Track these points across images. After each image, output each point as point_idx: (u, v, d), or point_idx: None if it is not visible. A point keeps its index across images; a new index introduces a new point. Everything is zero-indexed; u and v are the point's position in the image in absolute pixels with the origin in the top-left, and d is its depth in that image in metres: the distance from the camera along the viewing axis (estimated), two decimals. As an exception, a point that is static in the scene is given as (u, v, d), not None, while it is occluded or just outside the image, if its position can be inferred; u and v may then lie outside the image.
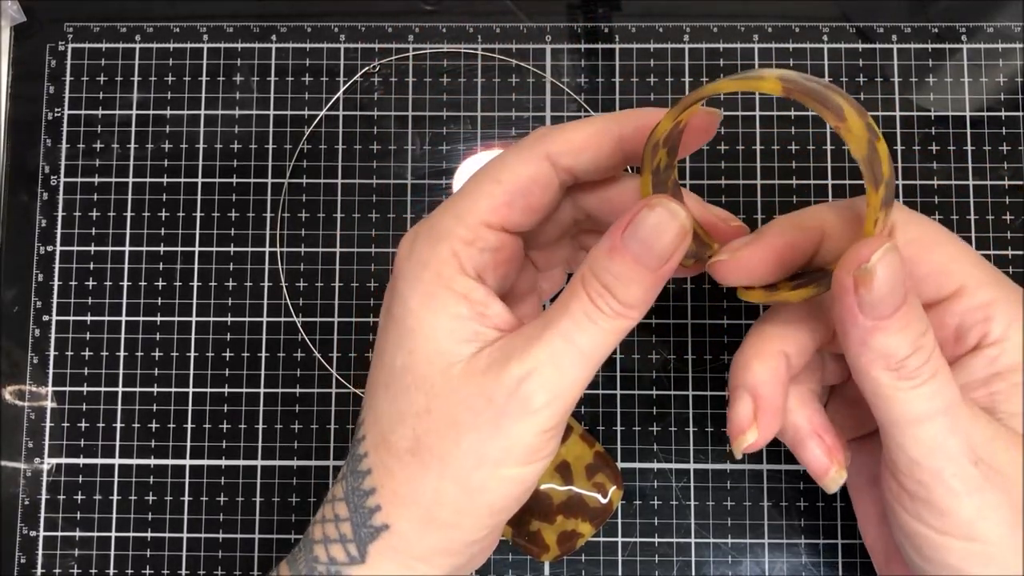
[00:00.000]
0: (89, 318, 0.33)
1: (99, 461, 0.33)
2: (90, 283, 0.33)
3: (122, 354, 0.33)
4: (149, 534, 0.32)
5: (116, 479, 0.32)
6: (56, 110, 0.34)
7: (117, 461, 0.33)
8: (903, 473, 0.22)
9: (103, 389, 0.33)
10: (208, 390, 0.33)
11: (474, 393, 0.21)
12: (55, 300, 0.33)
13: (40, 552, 0.32)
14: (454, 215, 0.22)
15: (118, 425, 0.33)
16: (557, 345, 0.21)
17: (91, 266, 0.34)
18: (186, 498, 0.32)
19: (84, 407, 0.33)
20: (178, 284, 0.33)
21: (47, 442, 0.33)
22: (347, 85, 0.34)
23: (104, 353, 0.33)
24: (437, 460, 0.21)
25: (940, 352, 0.21)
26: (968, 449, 0.21)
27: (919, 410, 0.21)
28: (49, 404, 0.33)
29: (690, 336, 0.33)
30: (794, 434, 0.24)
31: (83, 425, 0.33)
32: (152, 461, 0.33)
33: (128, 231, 0.34)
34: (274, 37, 0.35)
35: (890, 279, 0.20)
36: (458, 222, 0.22)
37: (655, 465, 0.32)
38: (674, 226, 0.21)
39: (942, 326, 0.23)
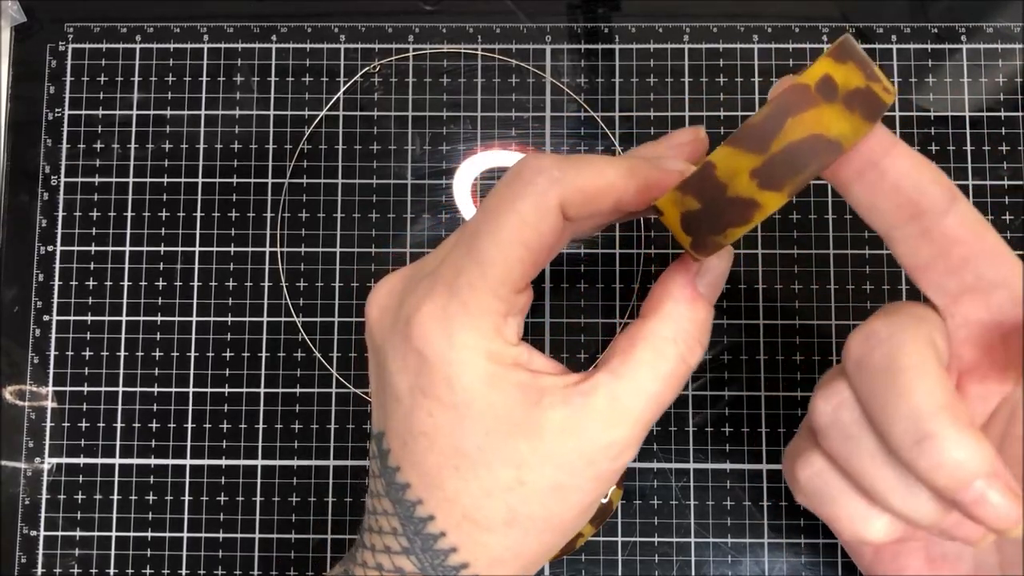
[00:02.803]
0: (89, 318, 0.33)
1: (99, 461, 0.33)
2: (90, 283, 0.33)
3: (122, 354, 0.33)
4: (149, 534, 0.32)
5: (116, 479, 0.33)
6: (56, 110, 0.34)
7: (117, 461, 0.33)
8: None
9: (103, 389, 0.33)
10: (208, 390, 0.33)
11: (573, 459, 0.21)
12: (55, 300, 0.33)
13: (40, 552, 0.32)
14: (488, 291, 0.21)
15: (118, 425, 0.33)
16: (650, 410, 0.22)
17: (91, 266, 0.34)
18: (186, 498, 0.32)
19: (84, 407, 0.33)
20: (178, 284, 0.33)
21: (47, 442, 0.33)
22: (347, 85, 0.34)
23: (104, 353, 0.33)
24: (541, 522, 0.22)
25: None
26: None
27: None
28: (49, 404, 0.33)
29: (690, 336, 0.33)
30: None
31: (83, 425, 0.33)
32: (152, 461, 0.33)
33: (128, 231, 0.34)
34: (274, 37, 0.35)
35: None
36: (495, 298, 0.21)
37: (655, 465, 0.32)
38: (730, 260, 0.23)
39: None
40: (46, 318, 0.33)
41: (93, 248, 0.34)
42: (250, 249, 0.34)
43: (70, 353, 0.33)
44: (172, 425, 0.33)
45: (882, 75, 0.20)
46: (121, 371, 0.33)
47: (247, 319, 0.33)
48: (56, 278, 0.34)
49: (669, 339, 0.22)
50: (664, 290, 0.23)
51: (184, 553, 0.32)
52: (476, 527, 0.22)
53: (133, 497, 0.32)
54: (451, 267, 0.22)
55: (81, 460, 0.33)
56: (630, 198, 0.21)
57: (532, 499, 0.21)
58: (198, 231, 0.34)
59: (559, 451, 0.21)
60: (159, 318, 0.33)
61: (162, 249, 0.34)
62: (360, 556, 0.23)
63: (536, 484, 0.21)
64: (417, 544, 0.22)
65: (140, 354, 0.33)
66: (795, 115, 0.19)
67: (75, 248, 0.34)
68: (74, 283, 0.33)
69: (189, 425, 0.33)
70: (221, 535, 0.32)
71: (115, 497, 0.32)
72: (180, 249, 0.34)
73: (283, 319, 0.33)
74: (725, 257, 0.23)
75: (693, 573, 0.31)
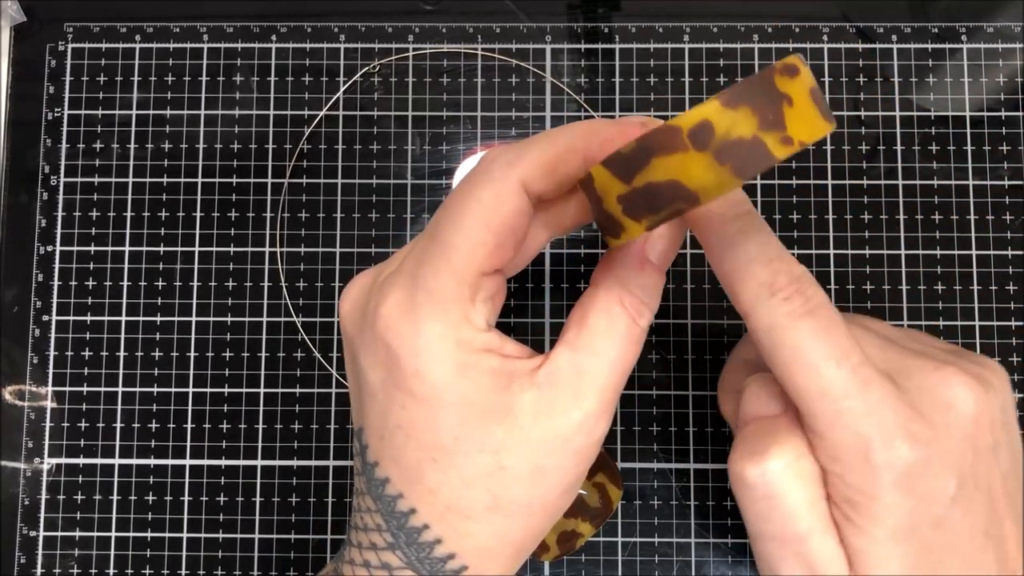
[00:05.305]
0: (89, 318, 0.33)
1: (99, 461, 0.33)
2: (90, 283, 0.33)
3: (122, 354, 0.33)
4: (149, 534, 0.32)
5: (116, 479, 0.32)
6: (56, 110, 0.34)
7: (117, 461, 0.33)
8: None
9: (103, 389, 0.33)
10: (208, 390, 0.33)
11: (550, 439, 0.21)
12: (55, 300, 0.33)
13: (40, 552, 0.32)
14: (452, 276, 0.21)
15: (118, 425, 0.33)
16: (613, 375, 0.22)
17: (91, 266, 0.34)
18: (186, 498, 0.32)
19: (84, 407, 0.33)
20: (178, 284, 0.33)
21: (47, 442, 0.33)
22: (347, 85, 0.34)
23: (104, 353, 0.33)
24: (525, 506, 0.22)
25: (796, 481, 0.22)
26: None
27: (751, 527, 0.24)
28: (49, 404, 0.33)
29: (690, 336, 0.33)
30: None
31: (83, 425, 0.33)
32: (152, 461, 0.33)
33: (128, 231, 0.34)
34: (274, 37, 0.35)
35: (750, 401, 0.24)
36: (460, 283, 0.21)
37: (655, 465, 0.32)
38: (682, 228, 0.23)
39: None
40: (45, 318, 0.33)
41: (93, 248, 0.34)
42: (250, 249, 0.34)
43: (69, 353, 0.33)
44: (172, 425, 0.33)
45: (798, 121, 0.18)
46: (121, 371, 0.33)
47: (247, 319, 0.33)
48: (56, 278, 0.33)
49: (616, 301, 0.22)
50: (612, 257, 0.23)
51: (184, 553, 0.32)
52: (459, 517, 0.21)
53: (133, 497, 0.32)
54: (414, 258, 0.22)
55: (81, 460, 0.33)
56: (595, 155, 0.21)
57: (513, 484, 0.21)
58: (198, 231, 0.34)
59: (534, 433, 0.21)
60: (159, 318, 0.33)
61: (162, 249, 0.34)
62: (348, 554, 0.23)
63: (516, 468, 0.21)
64: (401, 539, 0.22)
65: (140, 354, 0.33)
66: (660, 156, 0.18)
67: (75, 248, 0.34)
68: (74, 283, 0.33)
69: (189, 425, 0.33)
70: (221, 535, 0.32)
71: (115, 497, 0.32)
72: (180, 249, 0.34)
73: (283, 319, 0.33)
74: (676, 226, 0.23)
75: (693, 573, 0.31)
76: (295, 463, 0.32)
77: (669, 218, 0.19)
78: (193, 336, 0.33)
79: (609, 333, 0.22)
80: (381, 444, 0.22)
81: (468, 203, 0.21)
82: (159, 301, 0.33)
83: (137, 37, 0.35)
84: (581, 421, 0.21)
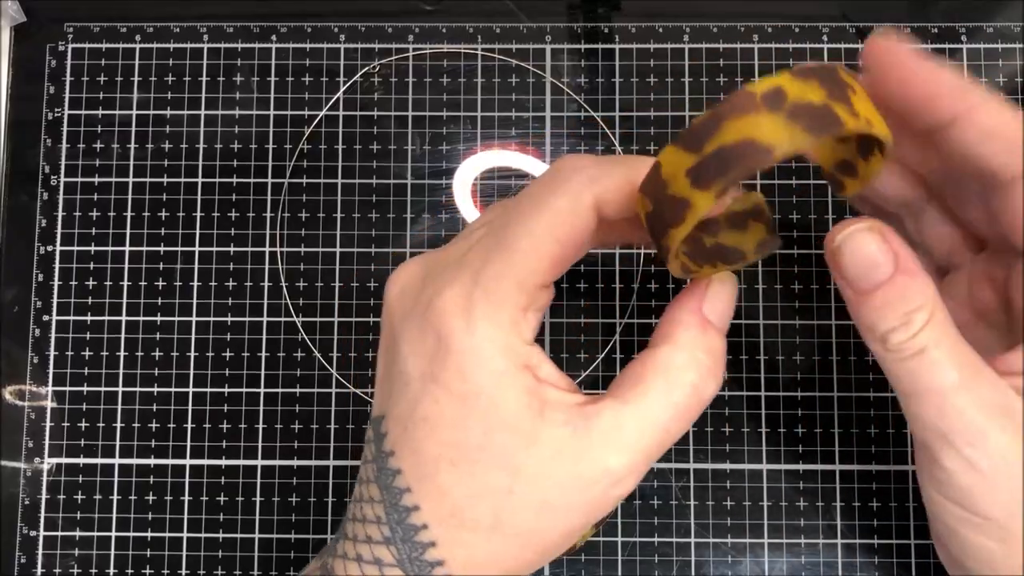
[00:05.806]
0: (89, 318, 0.33)
1: (99, 461, 0.33)
2: (90, 283, 0.33)
3: (122, 354, 0.33)
4: (149, 534, 0.32)
5: (116, 479, 0.32)
6: (56, 110, 0.34)
7: (117, 461, 0.33)
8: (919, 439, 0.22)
9: (103, 389, 0.33)
10: (208, 390, 0.33)
11: (567, 480, 0.21)
12: (55, 300, 0.33)
13: (40, 552, 0.32)
14: (514, 281, 0.21)
15: (118, 425, 0.33)
16: (655, 440, 0.21)
17: (91, 266, 0.34)
18: (186, 498, 0.32)
19: (84, 407, 0.33)
20: (178, 284, 0.33)
21: (47, 442, 0.33)
22: (347, 85, 0.34)
23: (104, 353, 0.33)
24: (523, 536, 0.21)
25: (943, 329, 0.21)
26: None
27: (907, 386, 0.21)
28: (49, 404, 0.33)
29: (690, 336, 0.33)
30: None
31: (83, 425, 0.33)
32: (152, 461, 0.33)
33: (128, 231, 0.34)
34: (274, 37, 0.35)
35: (858, 259, 0.21)
36: (519, 289, 0.21)
37: (655, 465, 0.32)
38: (735, 288, 0.23)
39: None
40: (46, 318, 0.33)
41: (93, 248, 0.34)
42: (250, 249, 0.34)
43: (70, 353, 0.33)
44: (172, 425, 0.33)
45: (862, 104, 0.19)
46: (121, 371, 0.33)
47: (247, 319, 0.33)
48: (56, 278, 0.33)
49: (682, 367, 0.21)
50: (673, 317, 0.22)
51: (184, 553, 0.32)
52: (460, 525, 0.21)
53: (133, 497, 0.32)
54: (479, 255, 0.22)
55: (81, 460, 0.33)
56: None
57: (519, 511, 0.21)
58: (198, 231, 0.34)
59: (554, 470, 0.21)
60: (159, 318, 0.33)
61: (162, 249, 0.34)
62: (341, 547, 0.23)
63: (525, 497, 0.21)
64: (398, 534, 0.22)
65: (140, 354, 0.33)
66: (731, 119, 0.19)
67: (75, 248, 0.34)
68: (74, 283, 0.33)
69: (189, 425, 0.33)
70: (221, 535, 0.32)
71: (115, 497, 0.32)
72: (180, 249, 0.34)
73: (283, 319, 0.33)
74: (729, 282, 0.23)
75: (693, 573, 0.31)
76: (295, 463, 0.32)
77: (739, 178, 0.19)
78: (193, 336, 0.33)
79: (666, 396, 0.21)
80: (403, 434, 0.22)
81: (542, 210, 0.21)
82: (159, 301, 0.33)
83: (137, 37, 0.35)
84: (604, 474, 0.21)
